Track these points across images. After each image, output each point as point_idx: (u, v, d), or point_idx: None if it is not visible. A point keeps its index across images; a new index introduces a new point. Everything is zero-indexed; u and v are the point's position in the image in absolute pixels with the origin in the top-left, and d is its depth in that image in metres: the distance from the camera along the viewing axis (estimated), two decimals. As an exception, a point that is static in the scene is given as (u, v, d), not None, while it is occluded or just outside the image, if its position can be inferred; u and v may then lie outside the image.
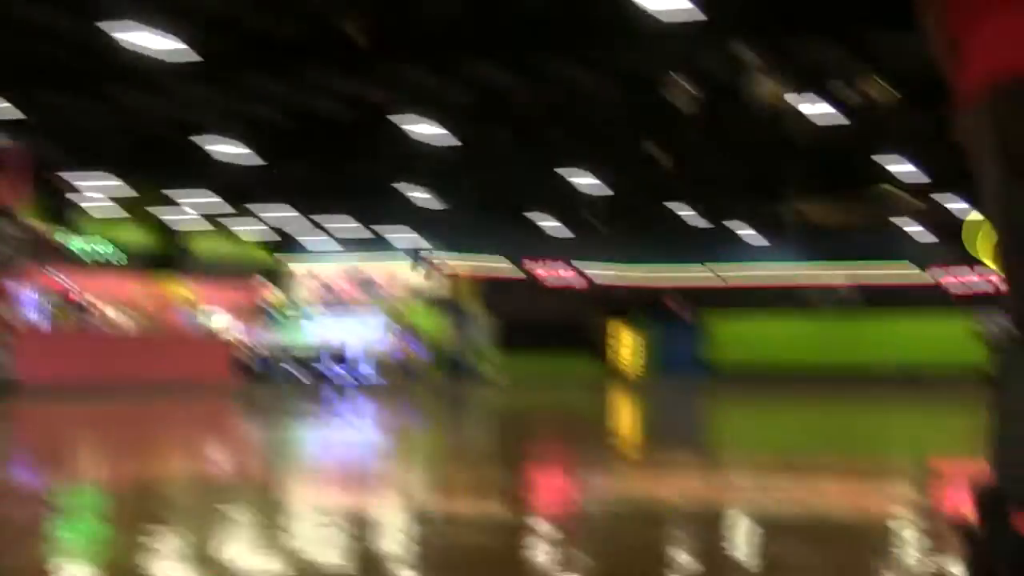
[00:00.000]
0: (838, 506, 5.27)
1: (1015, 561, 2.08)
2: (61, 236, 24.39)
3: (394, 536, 4.43)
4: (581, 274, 37.88)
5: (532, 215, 31.18)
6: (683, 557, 3.89)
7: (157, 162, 25.02)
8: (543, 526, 4.72)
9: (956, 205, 30.33)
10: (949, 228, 34.10)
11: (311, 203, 31.73)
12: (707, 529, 4.56)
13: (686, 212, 31.99)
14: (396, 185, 29.30)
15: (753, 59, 17.01)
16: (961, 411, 16.99)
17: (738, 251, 37.87)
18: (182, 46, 15.99)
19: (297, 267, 36.35)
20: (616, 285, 38.36)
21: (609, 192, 28.96)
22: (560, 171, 26.95)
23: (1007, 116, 1.96)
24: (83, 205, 29.51)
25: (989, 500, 2.14)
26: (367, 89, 19.98)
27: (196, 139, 23.31)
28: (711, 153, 24.14)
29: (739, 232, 36.27)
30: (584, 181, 27.64)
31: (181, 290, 32.06)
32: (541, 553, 4.01)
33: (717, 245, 37.26)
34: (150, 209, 30.95)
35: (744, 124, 20.89)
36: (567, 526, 4.72)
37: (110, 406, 16.07)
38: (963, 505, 4.62)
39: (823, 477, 6.61)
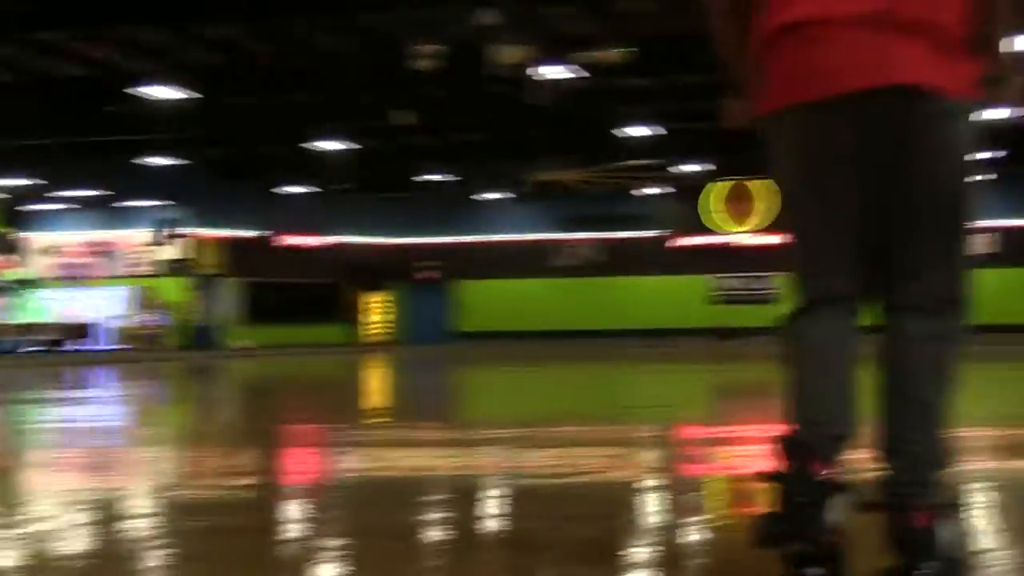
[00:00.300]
0: (585, 474, 5.36)
1: (813, 499, 2.50)
2: None
3: (140, 520, 4.32)
4: (331, 243, 37.80)
5: (279, 182, 30.91)
6: (430, 532, 3.89)
7: None
8: (291, 505, 4.73)
9: (691, 168, 31.68)
10: (686, 193, 35.73)
11: (48, 171, 30.47)
12: (456, 503, 4.60)
13: (434, 177, 32.31)
14: (138, 152, 28.48)
15: (494, 23, 17.33)
16: (700, 370, 17.93)
17: (485, 216, 38.57)
18: None
19: (33, 237, 34.87)
20: (366, 253, 38.45)
21: (357, 158, 28.99)
22: (307, 137, 26.81)
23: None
24: None
25: (791, 449, 2.59)
26: (103, 52, 19.43)
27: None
28: (457, 118, 24.46)
29: (486, 197, 36.93)
30: (331, 147, 27.54)
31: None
32: (290, 532, 4.03)
33: (464, 211, 37.86)
34: None
35: (487, 89, 21.26)
36: (315, 504, 4.70)
37: None
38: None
39: (566, 445, 6.68)
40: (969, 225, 2.59)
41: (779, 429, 2.64)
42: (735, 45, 2.74)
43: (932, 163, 2.52)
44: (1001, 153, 25.09)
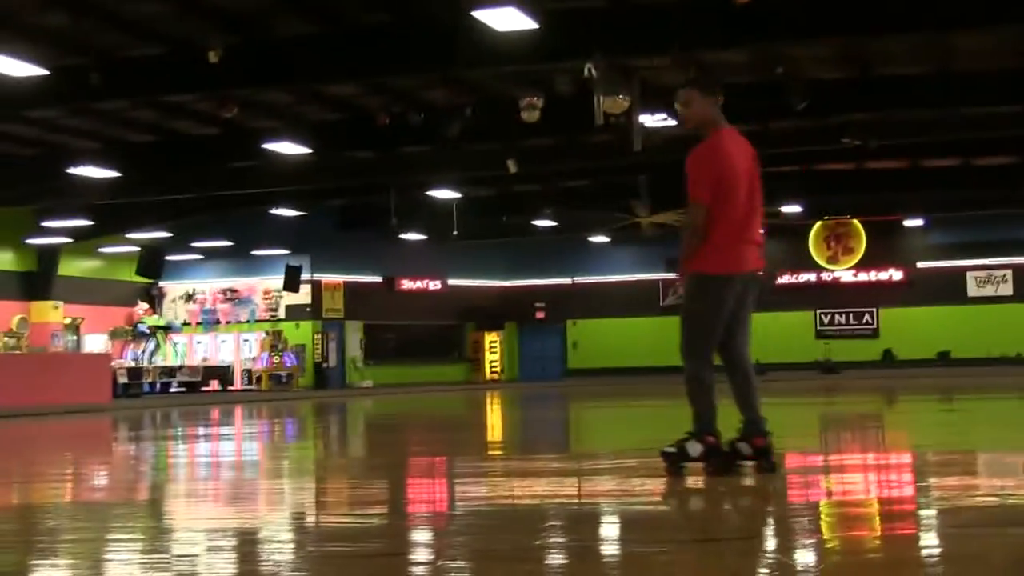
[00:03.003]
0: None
1: (707, 457, 6.21)
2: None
3: (279, 547, 4.62)
4: (449, 286, 39.03)
5: (398, 229, 32.18)
6: (553, 556, 4.14)
7: (24, 186, 25.38)
8: (420, 532, 4.97)
9: (788, 209, 32.12)
10: (786, 232, 36.20)
11: (184, 223, 32.25)
12: (576, 528, 4.81)
13: (544, 223, 33.29)
14: (266, 204, 30.04)
15: (596, 74, 18.17)
16: (804, 403, 18.27)
17: (593, 258, 39.51)
18: (42, 71, 16.56)
19: (172, 286, 36.80)
20: (482, 295, 39.63)
21: (470, 205, 30.24)
22: (423, 186, 28.07)
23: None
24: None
25: (712, 434, 6.28)
26: (229, 110, 20.74)
27: (64, 162, 23.78)
28: (563, 165, 25.41)
29: (593, 240, 37.80)
30: (445, 195, 28.82)
31: (55, 312, 32.33)
32: (420, 557, 4.31)
33: (574, 254, 38.88)
34: (17, 233, 31.13)
35: (592, 138, 22.19)
36: (443, 530, 4.90)
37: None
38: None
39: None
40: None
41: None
42: (700, 243, 6.19)
43: (753, 297, 6.32)
44: None
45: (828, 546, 4.26)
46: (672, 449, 6.26)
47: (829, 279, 38.10)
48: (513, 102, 19.79)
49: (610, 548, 4.50)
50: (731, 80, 18.88)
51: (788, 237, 36.67)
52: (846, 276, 37.96)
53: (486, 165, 24.56)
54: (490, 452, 10.25)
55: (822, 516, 5.16)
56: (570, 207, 31.51)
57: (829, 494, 5.94)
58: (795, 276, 38.17)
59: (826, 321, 38.00)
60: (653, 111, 19.55)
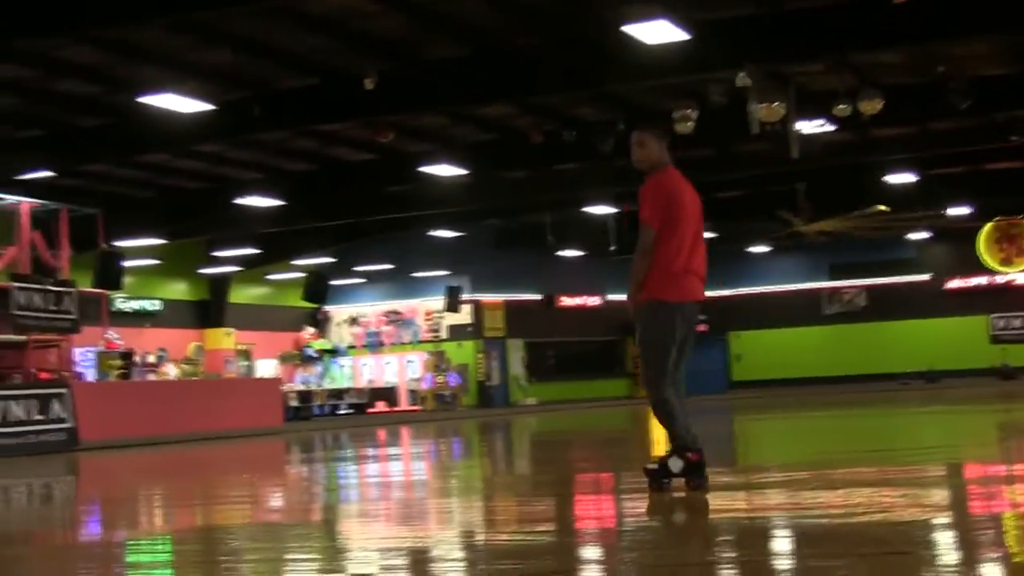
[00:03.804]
0: (876, 513, 5.52)
1: (697, 463, 6.62)
2: (110, 295, 25.68)
3: (450, 565, 4.70)
4: (606, 300, 38.99)
5: (556, 246, 32.32)
6: (727, 571, 4.10)
7: (194, 218, 26.32)
8: (588, 548, 4.99)
9: (956, 211, 31.18)
10: (954, 235, 35.16)
11: (346, 248, 33.01)
12: (749, 542, 4.77)
13: (704, 235, 32.97)
14: (425, 226, 30.53)
15: (749, 83, 17.98)
16: (983, 411, 17.77)
17: (754, 269, 38.96)
18: (207, 106, 17.21)
19: (336, 310, 37.65)
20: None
21: (626, 219, 30.15)
22: (579, 203, 28.14)
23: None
24: (128, 264, 30.91)
25: (691, 451, 6.64)
26: (385, 135, 21.17)
27: (230, 194, 24.60)
28: (721, 176, 25.18)
29: (754, 250, 37.27)
30: (601, 211, 28.83)
31: (227, 339, 33.40)
32: (585, 573, 4.35)
33: (734, 264, 38.37)
34: (191, 264, 32.30)
35: (748, 147, 21.95)
36: (611, 546, 4.92)
37: (168, 454, 17.04)
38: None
39: (854, 485, 6.81)
40: None
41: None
42: (648, 266, 6.55)
43: (695, 324, 6.74)
44: None
45: (1016, 560, 4.06)
46: (654, 466, 6.65)
47: (1003, 282, 36.79)
48: (666, 114, 19.71)
49: (784, 563, 4.41)
50: (888, 81, 18.48)
51: (955, 240, 35.60)
52: (1021, 278, 36.61)
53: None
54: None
55: (1007, 529, 4.93)
56: (728, 218, 31.18)
57: (1014, 506, 5.71)
58: (965, 280, 37.01)
59: (1002, 325, 36.67)
60: (810, 117, 19.24)
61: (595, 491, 8.15)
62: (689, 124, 19.68)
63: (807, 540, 4.83)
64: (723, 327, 39.32)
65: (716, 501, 6.41)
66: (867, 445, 11.33)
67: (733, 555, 4.56)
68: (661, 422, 6.60)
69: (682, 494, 6.44)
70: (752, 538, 5.00)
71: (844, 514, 5.54)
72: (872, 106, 18.42)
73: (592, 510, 6.93)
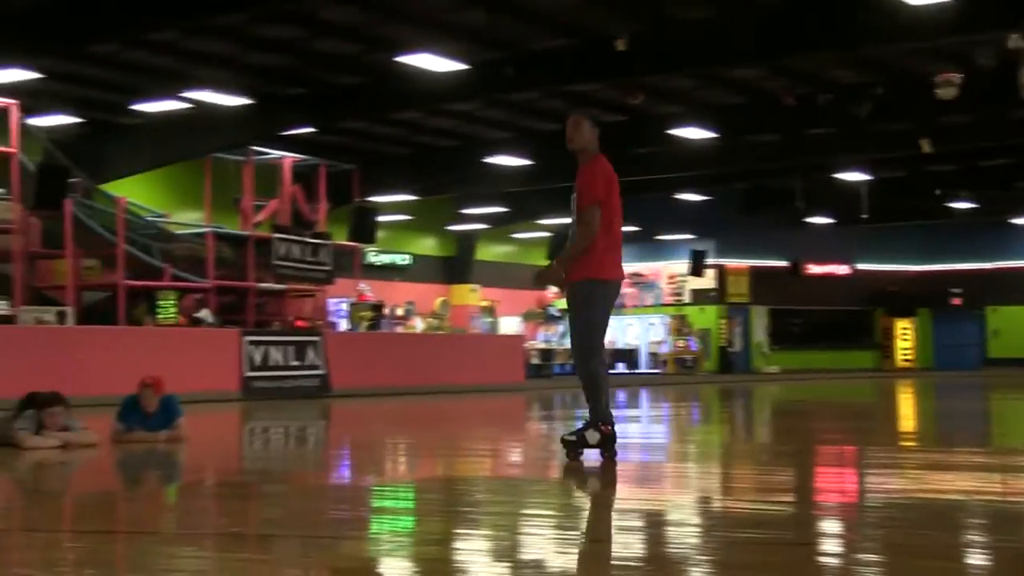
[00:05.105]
0: None
1: (604, 444, 6.97)
2: (363, 248, 26.61)
3: (685, 530, 4.67)
4: (857, 270, 37.90)
5: (804, 213, 31.56)
6: (974, 556, 3.95)
7: (445, 176, 26.95)
8: (827, 522, 4.89)
9: None
10: None
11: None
12: (1001, 528, 4.54)
13: (960, 205, 31.57)
14: (671, 189, 30.37)
15: (1022, 44, 17.08)
16: None
17: (1014, 241, 37.01)
18: (461, 66, 17.55)
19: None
20: (893, 280, 38.16)
21: (879, 187, 29.17)
22: (830, 168, 27.39)
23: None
24: (380, 219, 31.97)
25: (607, 424, 7.11)
26: (635, 97, 21.11)
27: (479, 152, 25.07)
28: (981, 143, 24.03)
29: (1015, 222, 35.41)
30: (853, 177, 27.96)
31: (472, 295, 34.17)
32: (826, 547, 4.24)
33: (992, 236, 36.54)
34: (440, 220, 33.13)
35: (1013, 113, 20.87)
36: (852, 522, 4.81)
37: (412, 405, 17.58)
38: None
39: None
40: None
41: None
42: (591, 246, 6.87)
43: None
44: None
45: None
46: (572, 438, 7.05)
47: None
48: (927, 79, 18.93)
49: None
50: None
51: None
52: None
53: (898, 145, 23.63)
54: (903, 443, 9.91)
55: None
56: (990, 187, 29.74)
57: None
58: None
59: None
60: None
61: (839, 464, 7.96)
62: (951, 90, 18.87)
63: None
64: (979, 301, 37.61)
65: (969, 482, 6.16)
66: None
67: (986, 540, 4.38)
68: (588, 395, 7.00)
69: (939, 475, 6.14)
70: (1008, 523, 4.78)
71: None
72: None
73: (835, 483, 6.77)
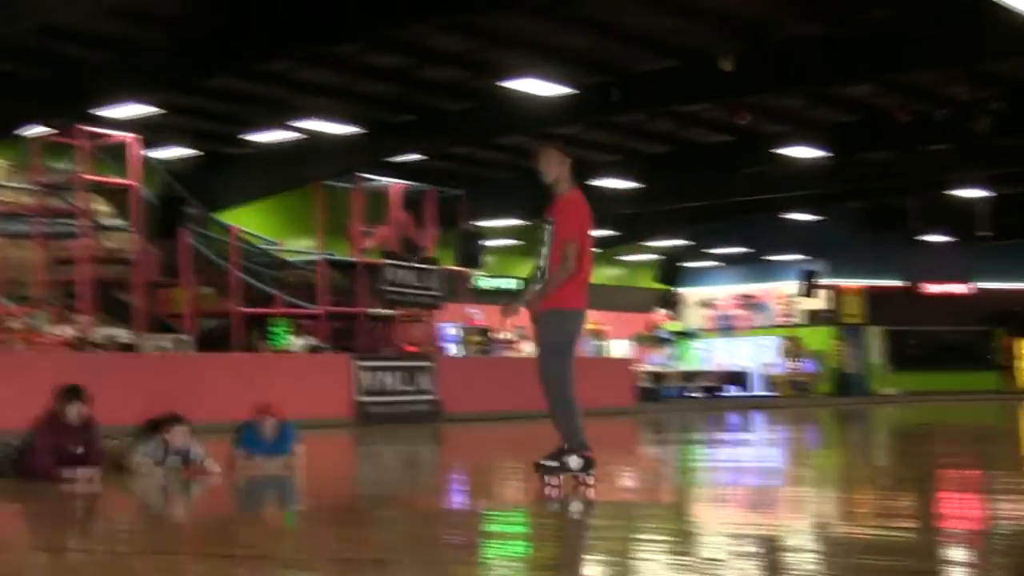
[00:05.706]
0: None
1: (585, 469, 6.94)
2: (472, 274, 26.73)
3: (800, 555, 4.61)
4: (978, 290, 36.95)
5: (920, 231, 30.93)
6: None
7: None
8: (950, 549, 4.74)
9: None
10: None
11: (699, 230, 32.92)
12: None
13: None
14: (780, 209, 30.00)
15: None
16: None
17: None
18: (566, 90, 17.58)
19: (689, 293, 37.61)
20: (1016, 299, 37.10)
21: (1000, 204, 28.48)
22: (947, 185, 26.81)
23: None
24: (488, 244, 32.10)
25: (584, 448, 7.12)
26: (742, 117, 20.92)
27: (583, 175, 25.03)
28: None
29: None
30: (971, 194, 27.35)
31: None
32: None
33: None
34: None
35: None
36: (976, 550, 4.67)
37: (523, 429, 17.58)
38: None
39: None
40: None
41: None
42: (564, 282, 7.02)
43: None
44: None
45: None
46: (555, 464, 7.00)
47: None
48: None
49: None
50: None
51: None
52: None
53: (1018, 160, 23.06)
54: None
55: None
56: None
57: None
58: None
59: None
60: None
61: (962, 488, 7.73)
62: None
63: None
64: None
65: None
66: None
67: None
68: (560, 420, 7.04)
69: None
70: None
71: None
72: None
73: (959, 508, 6.56)
